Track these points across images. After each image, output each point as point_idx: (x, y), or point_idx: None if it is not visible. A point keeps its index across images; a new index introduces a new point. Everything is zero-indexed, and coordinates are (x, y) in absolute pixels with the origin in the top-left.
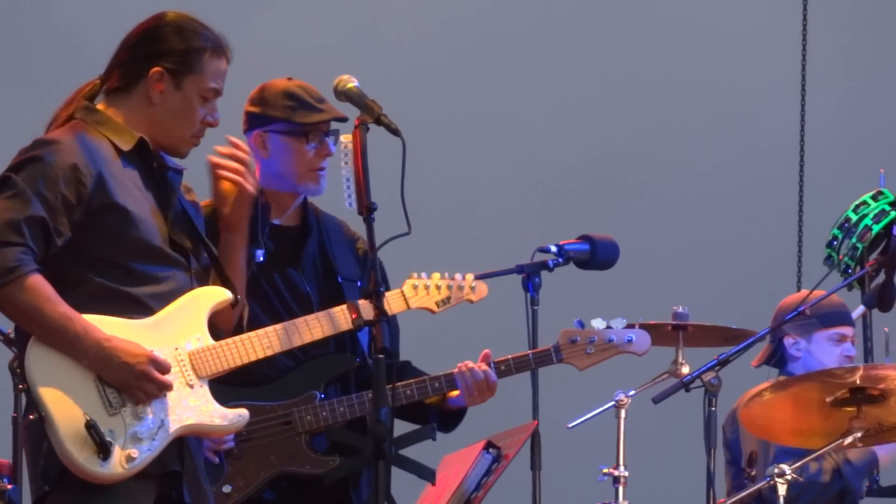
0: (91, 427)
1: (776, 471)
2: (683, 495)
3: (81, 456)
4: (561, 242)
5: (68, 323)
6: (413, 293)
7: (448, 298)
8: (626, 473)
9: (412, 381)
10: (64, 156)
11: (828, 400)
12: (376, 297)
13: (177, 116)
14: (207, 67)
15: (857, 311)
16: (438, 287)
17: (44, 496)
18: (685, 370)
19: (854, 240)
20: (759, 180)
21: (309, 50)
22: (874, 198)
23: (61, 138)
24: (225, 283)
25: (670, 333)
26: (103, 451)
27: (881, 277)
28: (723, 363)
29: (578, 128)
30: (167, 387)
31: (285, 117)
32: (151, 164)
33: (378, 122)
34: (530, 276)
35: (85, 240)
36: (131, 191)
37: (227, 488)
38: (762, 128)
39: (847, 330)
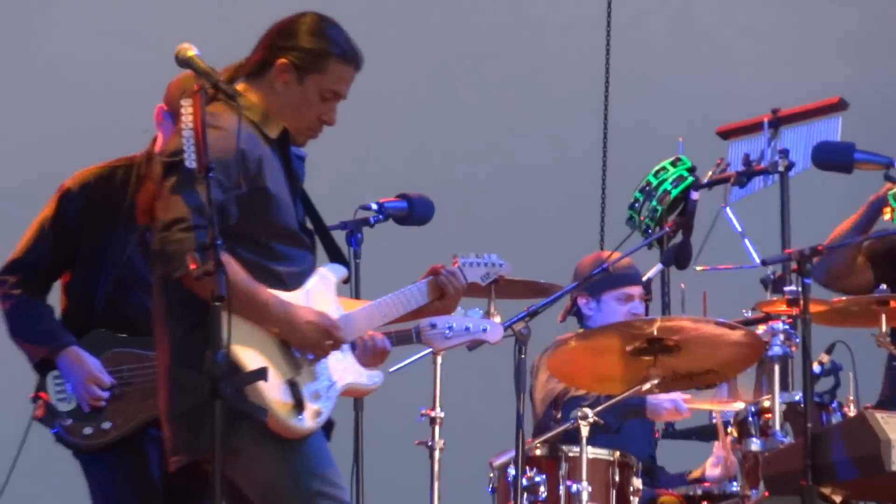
0: (293, 385)
1: (580, 413)
2: (495, 435)
3: (283, 412)
4: (381, 200)
5: (257, 293)
6: None
7: None
8: (442, 414)
9: None
10: (232, 142)
11: (627, 349)
12: (214, 249)
13: (294, 108)
14: (332, 70)
15: (656, 269)
16: None
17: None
18: (497, 320)
19: (654, 202)
20: (565, 147)
21: None
22: (673, 164)
23: (227, 125)
24: (336, 257)
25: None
26: (300, 407)
27: (678, 238)
28: (532, 314)
29: (399, 96)
30: (343, 342)
31: None
32: (287, 151)
33: (216, 87)
34: (353, 231)
35: (243, 220)
36: (278, 177)
37: (106, 424)
38: (567, 95)
39: (634, 289)
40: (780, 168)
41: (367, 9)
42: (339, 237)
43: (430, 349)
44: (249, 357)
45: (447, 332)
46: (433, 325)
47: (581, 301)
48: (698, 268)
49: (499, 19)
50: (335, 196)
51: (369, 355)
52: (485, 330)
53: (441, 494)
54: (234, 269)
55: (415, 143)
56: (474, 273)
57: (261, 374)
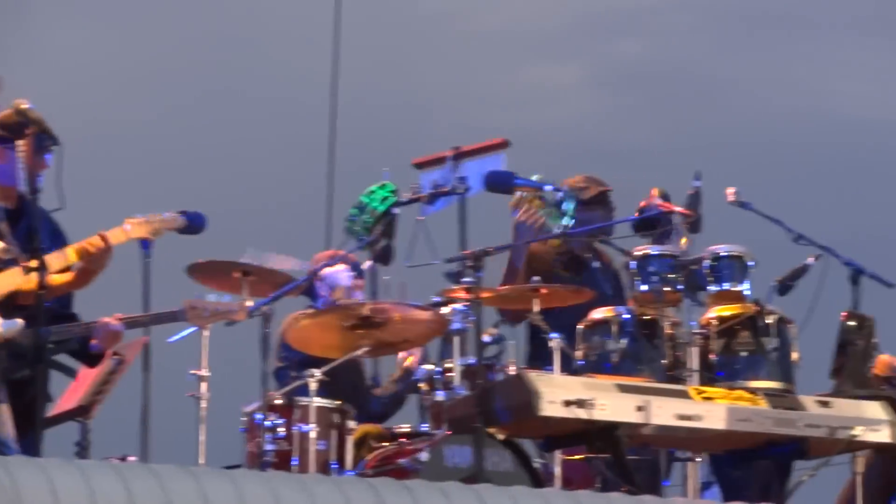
0: None
1: (307, 373)
2: (247, 389)
3: None
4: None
5: None
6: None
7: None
8: (207, 374)
9: (68, 324)
10: None
11: (345, 325)
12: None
13: None
14: None
15: (368, 265)
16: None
17: None
18: (248, 303)
19: (366, 217)
20: (294, 167)
21: None
22: (381, 187)
23: None
24: None
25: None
26: None
27: (383, 243)
28: (277, 298)
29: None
30: None
31: None
32: None
33: (43, 131)
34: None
35: None
36: None
37: None
38: (297, 118)
39: (353, 272)
40: (460, 191)
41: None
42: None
43: (197, 328)
44: None
45: (205, 313)
46: (194, 308)
47: (317, 283)
48: (407, 265)
49: (232, 30)
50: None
51: (106, 340)
52: (233, 311)
53: (207, 435)
54: None
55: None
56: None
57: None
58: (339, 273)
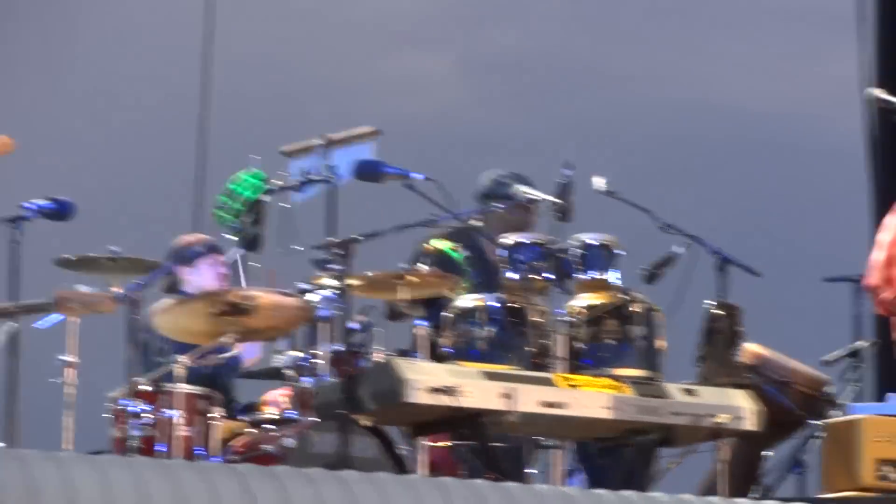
0: None
1: (174, 359)
2: (113, 375)
3: None
4: (36, 201)
5: None
6: None
7: None
8: (75, 360)
9: None
10: None
11: (213, 311)
12: None
13: None
14: None
15: (237, 252)
16: None
17: None
18: (117, 290)
19: (235, 204)
20: (164, 154)
21: None
22: (250, 174)
23: None
24: None
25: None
26: None
27: (251, 230)
28: (144, 285)
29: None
30: None
31: None
32: None
33: None
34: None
35: None
36: None
37: None
38: (167, 105)
39: (219, 257)
40: (329, 179)
41: None
42: None
43: (64, 317)
44: None
45: (76, 303)
46: (66, 299)
47: (180, 269)
48: (275, 252)
49: (96, 21)
50: None
51: None
52: (95, 302)
53: (75, 419)
54: None
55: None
56: None
57: None
58: (204, 273)
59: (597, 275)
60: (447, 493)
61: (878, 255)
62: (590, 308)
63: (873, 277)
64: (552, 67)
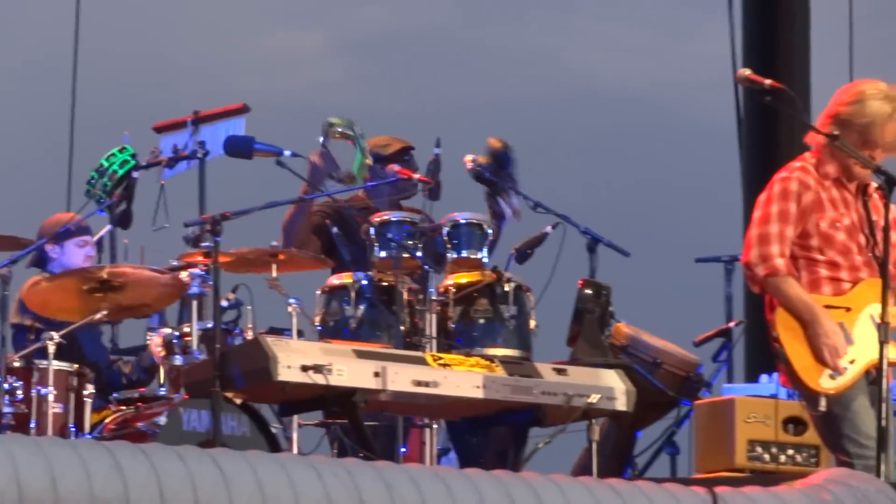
0: None
1: (46, 336)
2: None
3: None
4: None
5: None
6: None
7: None
8: None
9: None
10: None
11: (84, 288)
12: None
13: None
14: None
15: (107, 228)
16: None
17: None
18: None
19: (106, 180)
20: (34, 130)
21: None
22: (120, 151)
23: None
24: None
25: None
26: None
27: (122, 206)
28: (14, 262)
29: None
30: None
31: None
32: None
33: None
34: None
35: None
36: None
37: None
38: (37, 80)
39: (87, 237)
40: (199, 155)
41: None
42: None
43: None
44: None
45: None
46: None
47: (49, 247)
48: (147, 229)
49: None
50: None
51: None
52: None
53: None
54: None
55: None
56: None
57: None
58: (73, 252)
59: (468, 254)
60: (319, 471)
61: (752, 233)
62: (461, 287)
63: (748, 254)
64: (424, 45)
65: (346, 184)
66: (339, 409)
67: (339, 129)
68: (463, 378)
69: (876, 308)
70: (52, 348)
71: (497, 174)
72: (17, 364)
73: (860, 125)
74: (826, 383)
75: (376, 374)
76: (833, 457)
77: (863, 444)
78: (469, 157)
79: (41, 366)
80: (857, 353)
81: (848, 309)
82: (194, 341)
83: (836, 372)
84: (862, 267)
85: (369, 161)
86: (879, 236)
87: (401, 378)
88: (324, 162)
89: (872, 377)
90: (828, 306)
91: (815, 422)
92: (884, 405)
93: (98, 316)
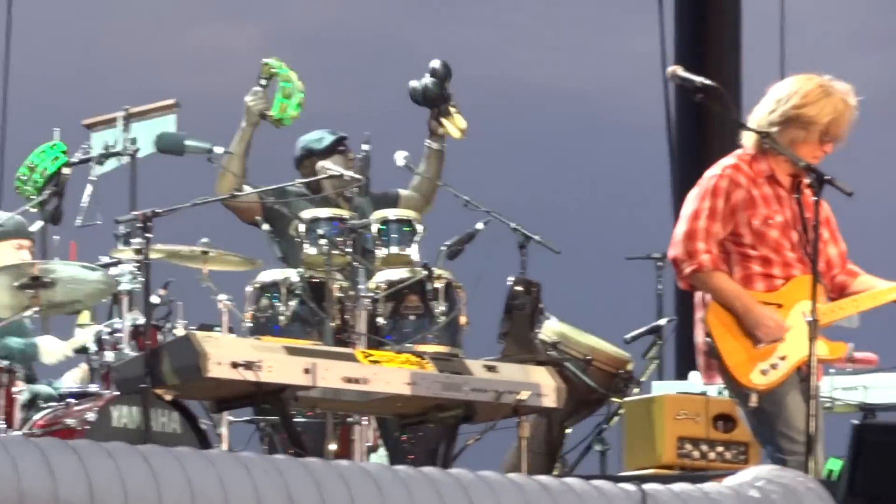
0: None
1: None
2: None
3: None
4: None
5: None
6: None
7: None
8: None
9: None
10: None
11: (15, 284)
12: None
13: None
14: None
15: (37, 225)
16: None
17: None
18: None
19: (37, 176)
20: None
21: None
22: (52, 147)
23: None
24: None
25: None
26: None
27: (52, 202)
28: None
29: None
30: None
31: None
32: None
33: None
34: None
35: None
36: None
37: None
38: None
39: (24, 241)
40: (130, 152)
41: None
42: None
43: None
44: None
45: None
46: None
47: None
48: (77, 225)
49: None
50: None
51: None
52: None
53: None
54: None
55: None
56: None
57: None
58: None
59: (398, 250)
60: (248, 468)
61: (678, 229)
62: (391, 284)
63: (676, 251)
64: (359, 41)
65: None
66: (270, 405)
67: (272, 70)
68: (393, 375)
69: (808, 305)
70: None
71: (442, 89)
72: None
73: (824, 122)
74: (757, 379)
75: (306, 371)
76: (763, 453)
77: (796, 440)
78: (401, 153)
79: None
80: (789, 350)
81: (780, 305)
82: (125, 337)
83: (781, 341)
84: (795, 264)
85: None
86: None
87: (331, 375)
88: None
89: (804, 374)
90: (760, 303)
91: (747, 418)
92: (813, 402)
93: (29, 312)
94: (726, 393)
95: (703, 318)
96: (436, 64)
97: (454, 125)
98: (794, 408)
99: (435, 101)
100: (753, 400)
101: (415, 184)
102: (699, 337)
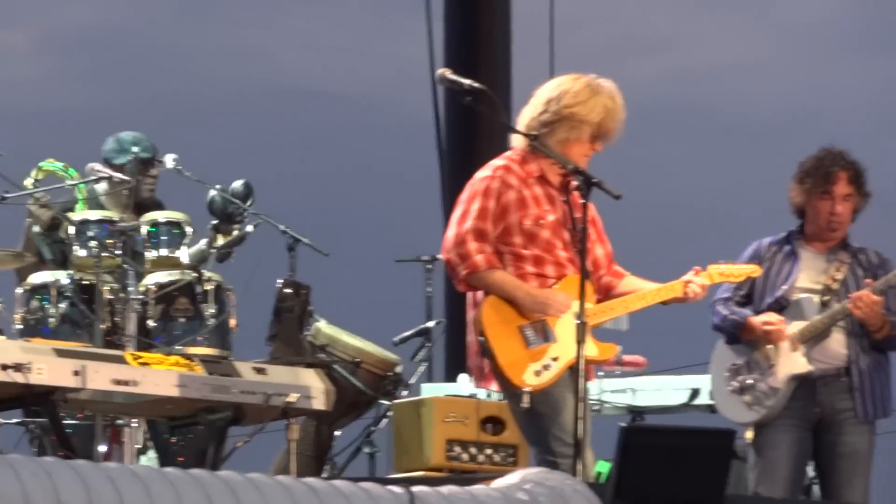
0: None
1: None
2: None
3: None
4: None
5: None
6: None
7: None
8: None
9: None
10: None
11: None
12: None
13: None
14: None
15: None
16: None
17: None
18: None
19: None
20: None
21: None
22: None
23: None
24: None
25: None
26: None
27: None
28: None
29: None
30: None
31: None
32: None
33: None
34: None
35: None
36: None
37: None
38: None
39: None
40: None
41: None
42: None
43: None
44: None
45: None
46: None
47: None
48: None
49: None
50: None
51: None
52: None
53: None
54: None
55: None
56: None
57: None
58: None
59: (167, 252)
60: (17, 470)
61: (450, 232)
62: (161, 286)
63: (449, 254)
64: (132, 42)
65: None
66: (39, 407)
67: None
68: (162, 377)
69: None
70: None
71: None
72: None
73: (595, 121)
74: (531, 379)
75: (76, 373)
76: (533, 456)
77: (567, 442)
78: (170, 156)
79: None
80: (560, 351)
81: None
82: None
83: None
84: (567, 263)
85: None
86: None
87: (100, 377)
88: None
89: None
90: None
91: (519, 421)
92: (581, 404)
93: None
94: (496, 396)
95: (476, 317)
96: (237, 184)
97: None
98: (567, 410)
99: (228, 218)
100: (526, 400)
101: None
102: (472, 337)
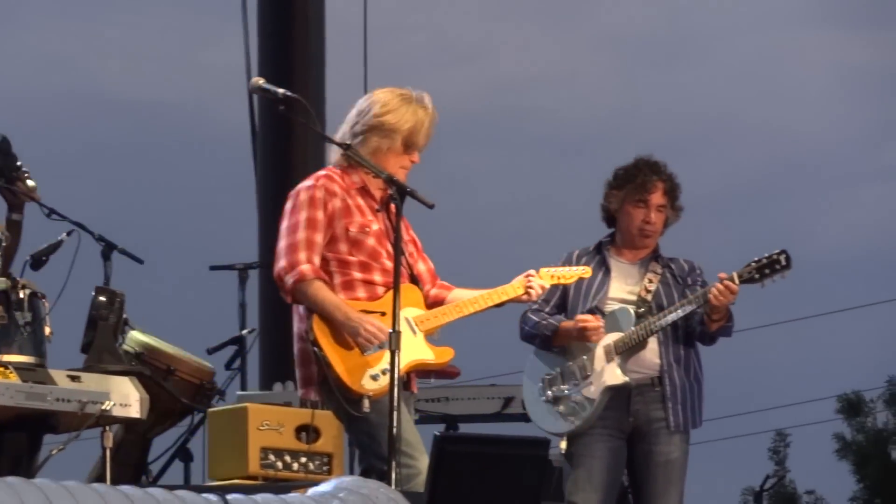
0: None
1: None
2: None
3: None
4: None
5: None
6: None
7: None
8: None
9: None
10: None
11: None
12: None
13: None
14: None
15: None
16: None
17: None
18: None
19: None
20: None
21: None
22: None
23: None
24: None
25: None
26: None
27: None
28: None
29: None
30: None
31: None
32: None
33: None
34: None
35: None
36: None
37: None
38: None
39: None
40: None
41: None
42: None
43: None
44: None
45: None
46: None
47: None
48: None
49: None
50: None
51: None
52: None
53: None
54: None
55: None
56: None
57: None
58: None
59: None
60: None
61: (280, 244)
62: None
63: (278, 265)
64: None
65: None
66: None
67: None
68: None
69: (411, 312)
70: None
71: (5, 160)
72: None
73: (405, 129)
74: (369, 384)
75: None
76: (358, 463)
77: (404, 451)
78: None
79: None
80: None
81: (383, 313)
82: None
83: (381, 344)
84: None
85: None
86: (405, 248)
87: None
88: None
89: (405, 382)
90: (363, 311)
91: (351, 428)
92: (395, 413)
93: None
94: (310, 404)
95: (310, 327)
96: None
97: (26, 188)
98: (404, 419)
99: (2, 172)
100: (366, 405)
101: None
102: (299, 347)
